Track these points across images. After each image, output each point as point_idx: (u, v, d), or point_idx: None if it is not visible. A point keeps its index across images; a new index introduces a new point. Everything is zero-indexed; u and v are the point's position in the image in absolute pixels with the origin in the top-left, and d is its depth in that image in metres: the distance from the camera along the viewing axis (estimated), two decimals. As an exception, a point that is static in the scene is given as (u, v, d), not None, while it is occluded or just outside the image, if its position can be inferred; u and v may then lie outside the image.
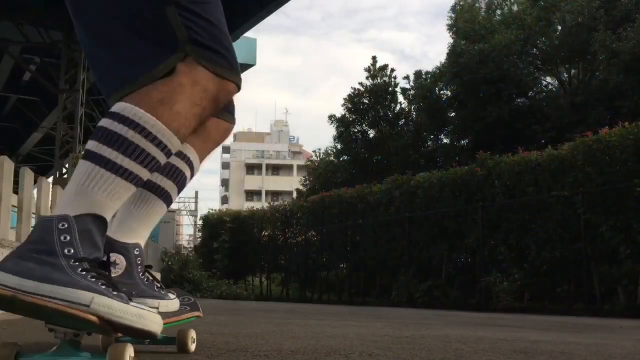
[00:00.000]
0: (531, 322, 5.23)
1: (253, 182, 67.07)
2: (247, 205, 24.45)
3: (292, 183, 54.11)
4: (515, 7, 20.54)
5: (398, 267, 11.98)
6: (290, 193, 48.95)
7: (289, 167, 68.56)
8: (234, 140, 73.72)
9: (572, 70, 18.55)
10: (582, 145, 8.77)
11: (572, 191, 8.73)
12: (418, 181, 11.88)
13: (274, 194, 63.69)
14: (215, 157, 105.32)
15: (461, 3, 21.27)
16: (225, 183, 71.78)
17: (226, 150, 74.00)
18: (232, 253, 18.23)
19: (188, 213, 45.52)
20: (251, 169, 69.26)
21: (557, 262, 9.00)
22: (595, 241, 8.40)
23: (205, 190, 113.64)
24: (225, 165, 72.27)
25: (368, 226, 12.97)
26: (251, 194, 65.86)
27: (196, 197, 45.25)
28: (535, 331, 3.75)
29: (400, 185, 12.29)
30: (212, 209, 21.47)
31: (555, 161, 9.20)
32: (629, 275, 7.90)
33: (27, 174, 4.74)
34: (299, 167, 61.48)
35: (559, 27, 17.96)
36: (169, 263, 17.18)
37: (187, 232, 47.02)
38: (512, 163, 9.96)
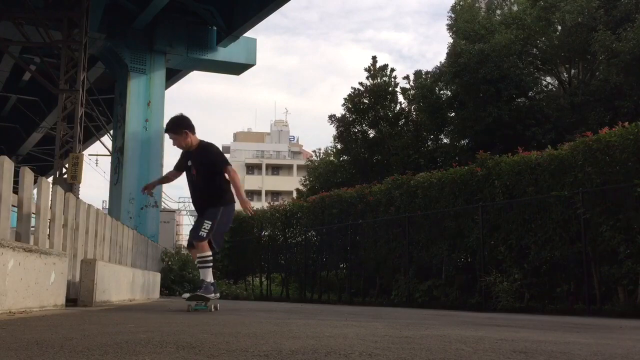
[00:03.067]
0: (531, 322, 5.22)
1: (253, 182, 66.95)
2: (247, 205, 24.31)
3: (292, 183, 54.07)
4: (515, 7, 20.49)
5: (398, 267, 11.97)
6: (290, 193, 48.90)
7: (288, 167, 68.51)
8: (234, 140, 73.62)
9: (572, 70, 18.51)
10: (582, 145, 8.75)
11: (572, 191, 8.71)
12: (418, 181, 11.85)
13: (274, 194, 63.66)
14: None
15: (461, 3, 21.22)
16: (225, 183, 71.49)
17: (226, 150, 73.88)
18: (232, 253, 18.21)
19: (188, 213, 45.53)
20: (251, 168, 69.20)
21: (557, 262, 8.99)
22: (595, 241, 8.39)
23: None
24: (225, 165, 72.06)
25: (368, 226, 12.96)
26: (251, 194, 65.68)
27: (196, 197, 45.14)
28: (535, 331, 3.75)
29: (400, 185, 12.27)
30: (212, 209, 21.41)
31: (555, 161, 9.18)
32: (629, 275, 7.89)
33: (27, 174, 4.74)
34: (299, 167, 61.49)
35: (559, 27, 17.92)
36: (169, 263, 17.15)
37: (187, 232, 46.96)
38: (512, 163, 9.93)
